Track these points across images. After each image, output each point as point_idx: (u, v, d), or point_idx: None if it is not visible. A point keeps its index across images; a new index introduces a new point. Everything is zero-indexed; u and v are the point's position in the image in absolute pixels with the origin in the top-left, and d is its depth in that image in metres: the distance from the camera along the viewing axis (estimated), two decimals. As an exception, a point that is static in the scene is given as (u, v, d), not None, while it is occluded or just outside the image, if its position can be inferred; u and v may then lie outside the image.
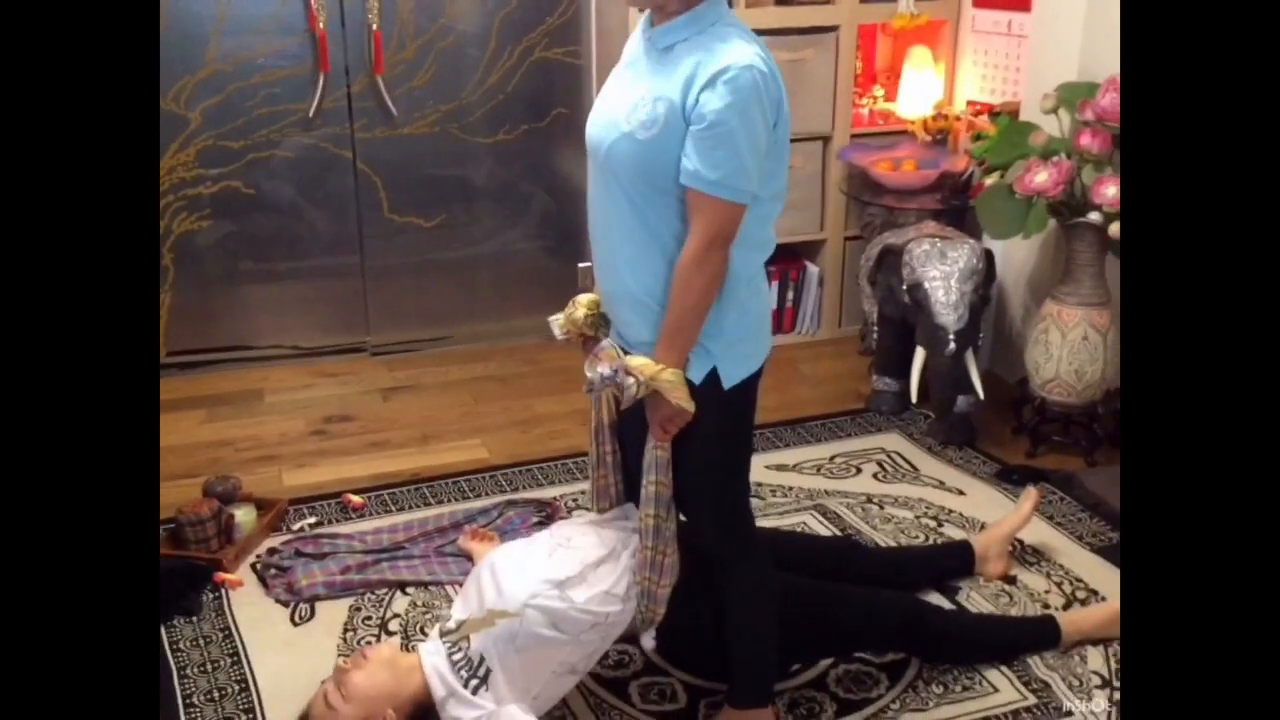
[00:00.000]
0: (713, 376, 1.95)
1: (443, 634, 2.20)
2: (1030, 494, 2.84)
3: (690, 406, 1.92)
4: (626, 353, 1.98)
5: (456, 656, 2.13)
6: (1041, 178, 3.11)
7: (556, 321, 2.20)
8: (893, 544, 2.87)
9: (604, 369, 1.97)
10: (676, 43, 1.85)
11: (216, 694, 2.35)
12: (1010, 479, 3.20)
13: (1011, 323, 3.79)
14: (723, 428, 2.02)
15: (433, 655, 2.16)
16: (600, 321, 2.14)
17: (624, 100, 1.89)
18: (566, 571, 2.13)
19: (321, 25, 3.77)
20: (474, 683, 2.10)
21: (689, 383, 1.92)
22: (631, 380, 1.91)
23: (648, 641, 2.22)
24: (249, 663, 2.44)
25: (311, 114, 3.87)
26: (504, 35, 3.99)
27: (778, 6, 3.95)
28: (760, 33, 3.77)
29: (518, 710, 2.08)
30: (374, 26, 3.81)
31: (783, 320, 4.30)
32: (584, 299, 2.16)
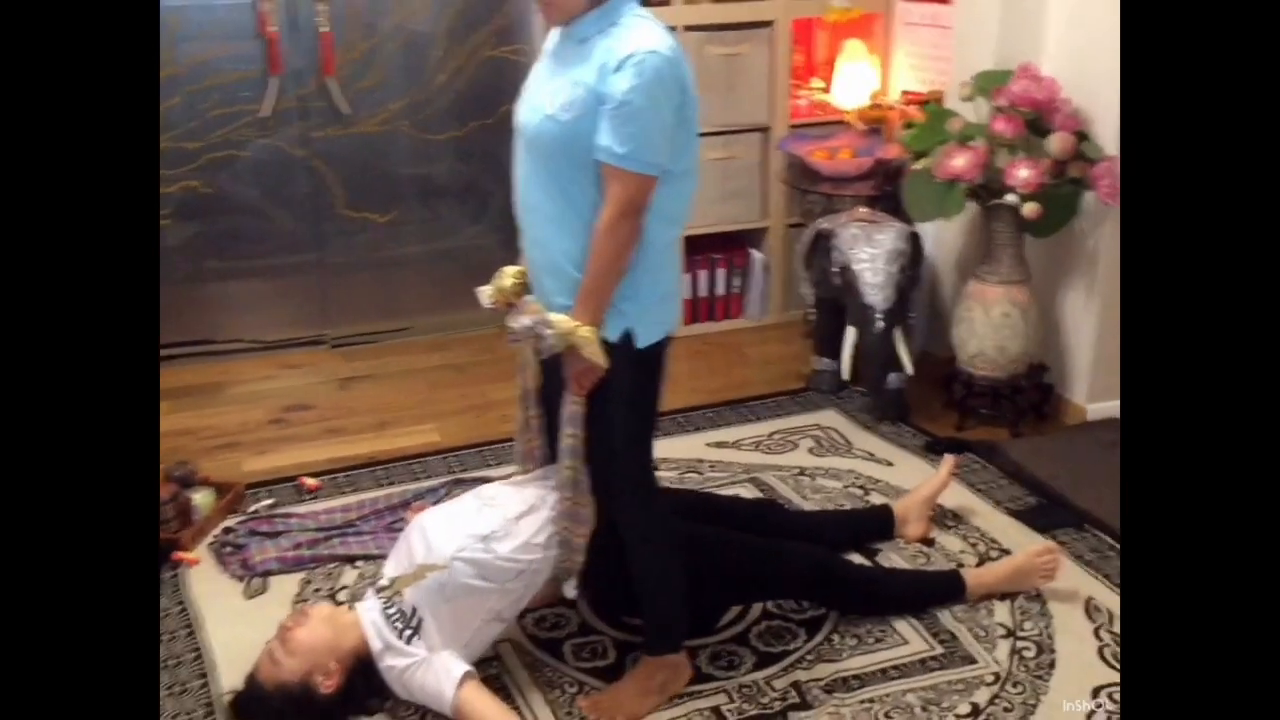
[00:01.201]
0: (626, 336, 2.12)
1: (378, 591, 2.35)
2: (947, 460, 3.00)
3: (602, 362, 2.09)
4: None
5: (390, 610, 2.28)
6: (959, 162, 3.27)
7: (485, 291, 2.34)
8: (817, 510, 3.02)
9: (525, 320, 2.15)
10: (590, 35, 2.03)
11: (172, 662, 2.49)
12: (937, 450, 3.36)
13: (943, 302, 3.95)
14: (633, 386, 2.18)
15: (369, 611, 2.31)
16: (525, 291, 2.29)
17: (546, 87, 2.07)
18: (490, 526, 2.30)
19: (272, 28, 3.90)
20: (408, 633, 2.25)
21: (606, 343, 2.09)
22: (550, 332, 2.08)
23: (570, 590, 2.37)
24: (204, 633, 2.58)
25: (266, 115, 4.00)
26: (452, 35, 4.13)
27: (714, 3, 4.10)
28: (697, 29, 3.98)
29: (449, 656, 2.24)
30: (322, 29, 3.94)
31: (729, 306, 4.45)
32: (510, 270, 2.31)
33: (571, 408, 2.17)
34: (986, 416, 3.57)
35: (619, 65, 1.95)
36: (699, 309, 4.40)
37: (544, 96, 2.05)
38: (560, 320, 2.08)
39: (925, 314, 4.02)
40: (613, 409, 2.17)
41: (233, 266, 4.20)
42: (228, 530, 2.97)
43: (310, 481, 3.25)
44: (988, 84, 3.32)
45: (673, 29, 3.85)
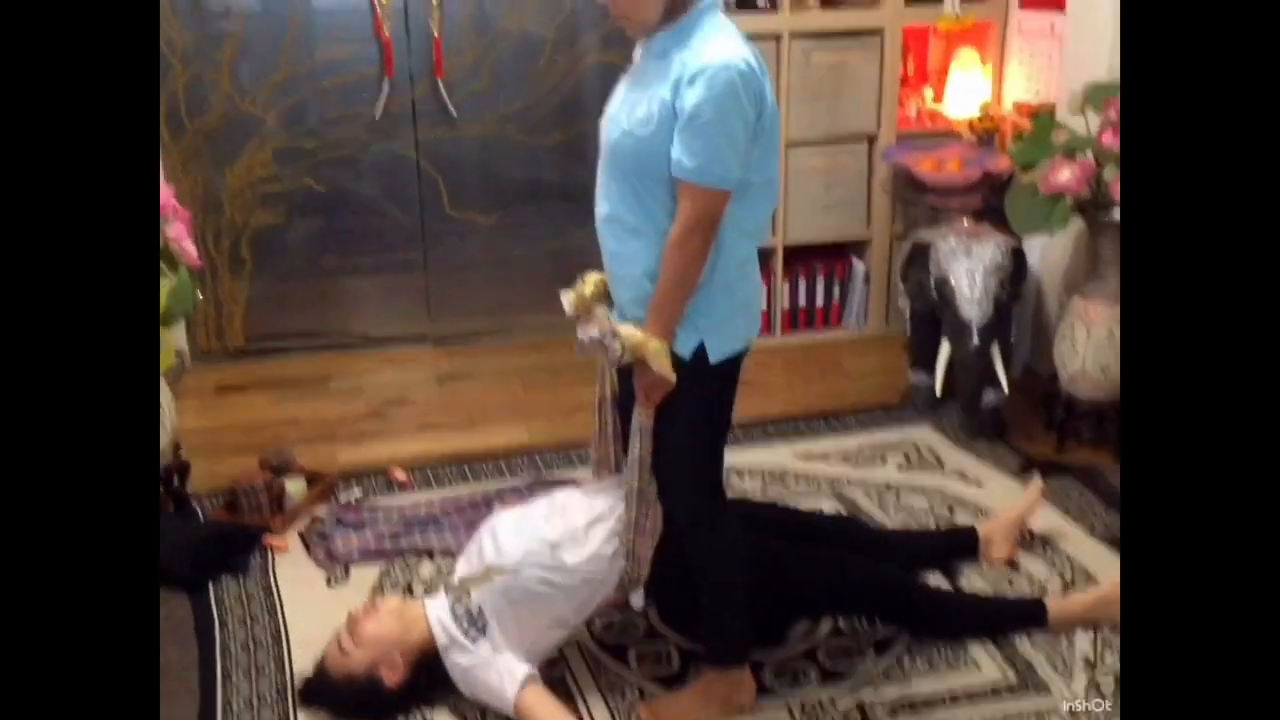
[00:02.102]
0: (700, 350, 2.11)
1: (447, 589, 2.38)
2: (1036, 483, 2.91)
3: (671, 376, 2.08)
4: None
5: (458, 609, 2.32)
6: (1065, 176, 3.17)
7: (567, 296, 2.35)
8: (900, 528, 2.96)
9: (594, 331, 2.15)
10: (669, 49, 2.02)
11: (252, 644, 2.57)
12: (1033, 472, 3.26)
13: (1048, 319, 3.83)
14: (704, 400, 2.17)
15: (436, 607, 2.35)
16: (605, 299, 2.29)
17: (627, 102, 2.08)
18: (559, 534, 2.31)
19: (387, 32, 4.00)
20: (473, 632, 2.28)
21: (677, 356, 2.08)
22: (617, 344, 2.08)
23: (636, 600, 2.38)
24: (284, 618, 2.66)
25: (378, 116, 4.11)
26: (559, 41, 4.17)
27: (823, 9, 4.05)
28: (804, 35, 3.93)
29: (511, 657, 2.26)
30: (435, 33, 4.03)
31: (829, 316, 4.39)
32: (592, 277, 2.31)
33: (641, 420, 2.17)
34: (1089, 439, 3.45)
35: (692, 79, 1.94)
36: (798, 318, 4.36)
37: (624, 111, 2.06)
38: (630, 333, 2.08)
39: (1029, 330, 3.91)
40: (683, 422, 2.16)
41: (344, 264, 4.32)
42: (316, 519, 3.06)
43: (400, 475, 3.32)
44: (1098, 96, 3.20)
45: (778, 37, 3.90)
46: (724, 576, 2.29)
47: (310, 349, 4.31)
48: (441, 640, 2.31)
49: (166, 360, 3.95)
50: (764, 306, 4.16)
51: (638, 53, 2.15)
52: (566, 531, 2.32)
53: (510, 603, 2.27)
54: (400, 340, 4.39)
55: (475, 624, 2.28)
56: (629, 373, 2.19)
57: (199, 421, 3.80)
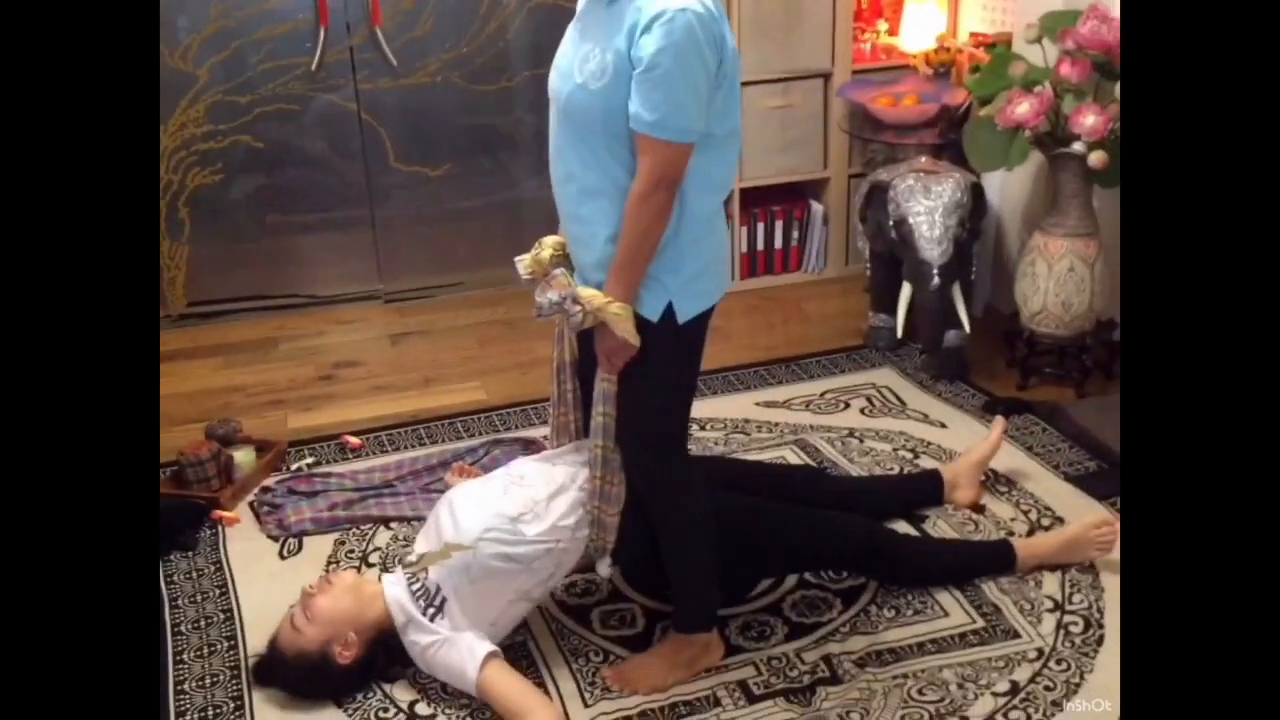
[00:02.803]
0: (668, 311, 2.02)
1: (404, 566, 2.31)
2: (998, 422, 2.87)
3: (635, 340, 1.99)
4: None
5: (415, 586, 2.24)
6: (1023, 109, 3.09)
7: (522, 262, 2.26)
8: (865, 475, 2.92)
9: (553, 294, 2.05)
10: None
11: (203, 622, 2.49)
12: (996, 411, 3.22)
13: (1008, 255, 3.78)
14: (672, 362, 2.09)
15: (394, 585, 2.28)
16: (564, 263, 2.20)
17: (576, 53, 1.95)
18: (519, 508, 2.23)
19: (320, -21, 3.85)
20: (431, 610, 2.21)
21: (644, 319, 1.99)
22: (579, 309, 2.00)
23: (603, 569, 2.31)
24: (235, 594, 2.58)
25: (315, 67, 3.96)
26: (501, -17, 4.03)
27: (772, -57, 3.93)
28: (754, -31, 3.80)
29: (472, 636, 2.19)
30: (370, -22, 3.88)
31: (788, 259, 4.32)
32: (549, 240, 2.22)
33: (603, 385, 2.09)
34: (1051, 376, 3.42)
35: (648, 25, 1.82)
36: (756, 262, 4.28)
37: (575, 63, 1.94)
38: (591, 295, 1.99)
39: (990, 268, 3.86)
40: (649, 385, 2.08)
41: (287, 221, 4.19)
42: (266, 489, 2.97)
43: (353, 440, 3.24)
44: (1054, 25, 3.12)
45: (728, -30, 3.78)
46: (691, 542, 2.22)
47: (256, 311, 4.20)
48: (399, 619, 2.23)
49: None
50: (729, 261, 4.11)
51: (584, 1, 2.03)
52: (526, 504, 2.23)
53: (470, 580, 2.19)
54: (350, 299, 4.28)
55: (433, 602, 2.21)
56: (589, 336, 2.10)
57: (144, 391, 3.68)
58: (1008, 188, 3.72)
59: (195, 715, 2.22)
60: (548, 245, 2.20)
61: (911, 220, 3.27)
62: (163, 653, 2.39)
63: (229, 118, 3.98)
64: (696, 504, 2.22)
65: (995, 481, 2.86)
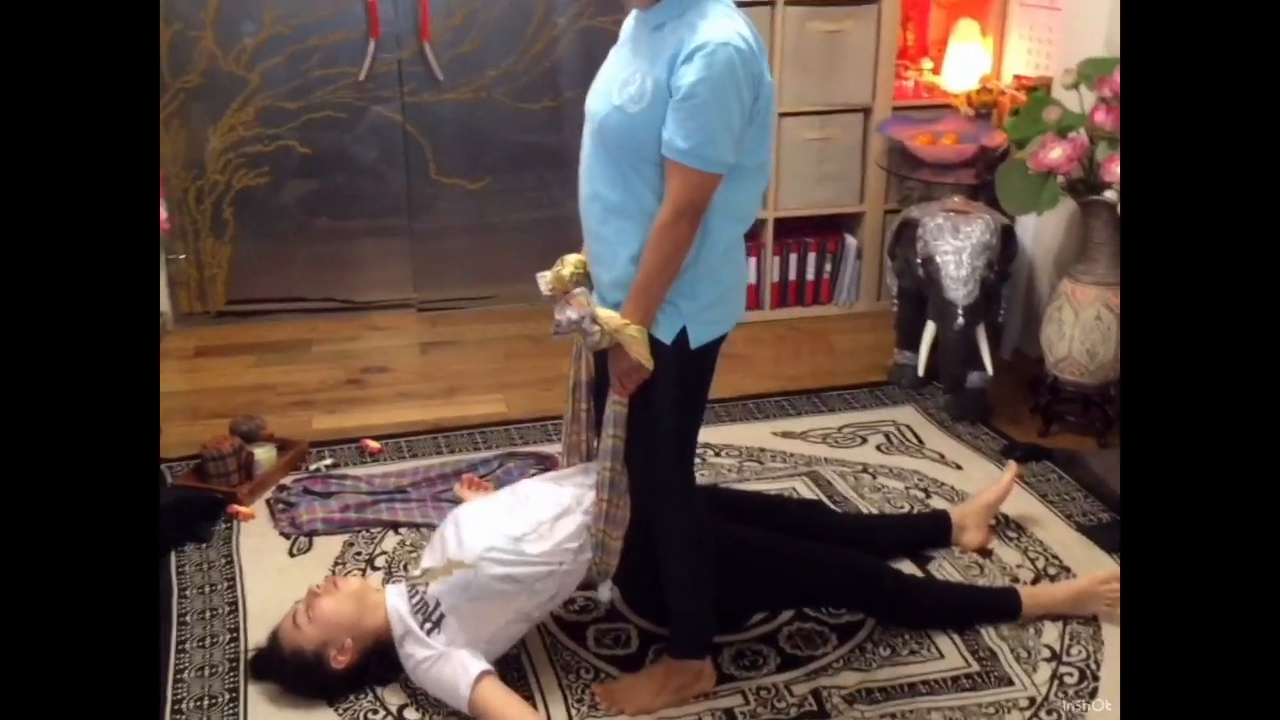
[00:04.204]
0: (681, 335, 2.04)
1: (407, 578, 2.34)
2: (1010, 467, 2.86)
3: (649, 364, 2.01)
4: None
5: (415, 600, 2.27)
6: (1055, 154, 3.09)
7: (544, 278, 2.29)
8: (872, 512, 2.91)
9: (572, 313, 2.07)
10: (665, 21, 1.93)
11: (208, 614, 2.55)
12: (1013, 456, 3.20)
13: (1040, 300, 3.76)
14: (682, 386, 2.10)
15: (395, 597, 2.31)
16: (585, 281, 2.22)
17: (617, 75, 1.98)
18: (523, 528, 2.25)
19: (372, -8, 3.93)
20: (428, 625, 2.24)
21: (657, 341, 2.02)
22: (596, 329, 2.02)
23: (604, 593, 2.33)
24: (242, 588, 2.63)
25: (363, 77, 4.04)
26: (549, 4, 4.09)
27: (819, -23, 3.96)
28: (799, 3, 3.83)
29: (466, 653, 2.21)
30: (421, -7, 3.96)
31: (819, 291, 4.33)
32: (571, 258, 2.24)
33: (614, 408, 2.10)
34: (1073, 424, 3.39)
35: (689, 56, 1.85)
36: (787, 292, 4.30)
37: (614, 86, 1.96)
38: (608, 317, 2.01)
39: (1020, 312, 3.84)
40: (658, 409, 2.09)
41: (329, 227, 4.27)
42: (283, 487, 3.02)
43: (372, 444, 3.29)
44: (1092, 72, 3.11)
45: (772, 3, 3.81)
46: (689, 568, 2.23)
47: (293, 313, 4.28)
48: (397, 631, 2.26)
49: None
50: (749, 284, 4.12)
51: (629, 23, 2.06)
52: (531, 524, 2.26)
53: (469, 599, 2.21)
54: (384, 306, 4.35)
55: (430, 617, 2.23)
56: (606, 357, 2.12)
57: (177, 384, 3.77)
58: (1041, 232, 3.71)
59: (192, 704, 2.27)
60: (569, 263, 2.22)
61: (939, 259, 3.27)
62: (165, 642, 2.44)
63: (278, 122, 4.07)
64: (697, 530, 2.23)
65: (1005, 526, 2.85)
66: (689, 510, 2.21)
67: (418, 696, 2.27)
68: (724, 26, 1.87)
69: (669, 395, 2.09)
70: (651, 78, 1.90)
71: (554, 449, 3.20)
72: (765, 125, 2.00)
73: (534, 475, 3.00)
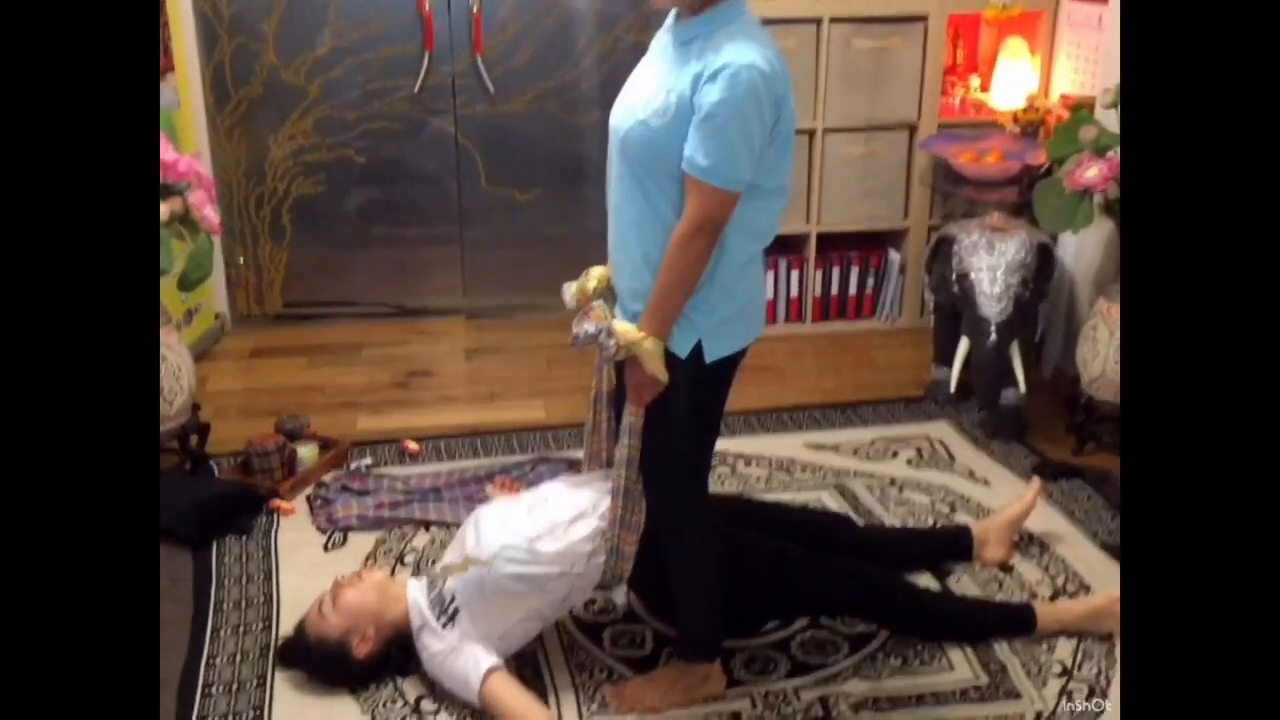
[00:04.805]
0: (697, 349, 2.09)
1: (428, 573, 2.43)
2: (1035, 484, 2.87)
3: (663, 376, 2.07)
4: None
5: (432, 594, 2.36)
6: (1091, 173, 3.09)
7: (569, 289, 2.35)
8: (895, 525, 2.94)
9: (589, 326, 2.14)
10: (694, 38, 1.97)
11: (244, 603, 2.65)
12: (1045, 474, 3.20)
13: (1080, 319, 3.74)
14: (697, 399, 2.15)
15: (415, 589, 2.40)
16: (608, 294, 2.28)
17: (643, 89, 2.03)
18: (539, 529, 2.32)
19: (428, 7, 4.05)
20: (443, 619, 2.32)
21: (673, 355, 2.08)
22: (612, 342, 2.08)
23: (619, 596, 2.39)
24: (277, 579, 2.74)
25: (417, 90, 4.16)
26: (600, 20, 4.18)
27: (866, -5, 4.00)
28: (845, 20, 3.87)
29: (479, 647, 2.29)
30: (475, 9, 4.06)
31: (861, 306, 4.35)
32: (596, 271, 2.31)
33: (630, 419, 2.16)
34: (1108, 443, 3.38)
35: (713, 75, 1.89)
36: (830, 306, 4.33)
37: (639, 100, 2.01)
38: (625, 330, 2.06)
39: (1061, 330, 3.83)
40: (674, 421, 2.14)
41: (383, 234, 4.40)
42: (322, 484, 3.13)
43: (412, 445, 3.38)
44: (1130, 92, 3.11)
45: (818, 20, 3.86)
46: (700, 574, 2.28)
47: (346, 317, 4.41)
48: (415, 622, 2.35)
49: (205, 323, 4.08)
50: (793, 298, 4.16)
51: (658, 38, 2.10)
52: (547, 525, 2.33)
53: (482, 596, 2.29)
54: (434, 312, 4.47)
55: (445, 610, 2.31)
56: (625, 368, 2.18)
57: (231, 384, 3.91)
58: (1082, 251, 3.70)
59: (221, 688, 2.37)
60: (594, 276, 2.28)
61: (973, 275, 3.29)
62: (200, 628, 2.55)
63: (335, 132, 4.20)
64: (708, 537, 2.28)
65: (1028, 543, 2.85)
66: (700, 517, 2.26)
67: (435, 689, 2.34)
68: (749, 49, 1.92)
69: (684, 408, 2.14)
70: (676, 93, 1.94)
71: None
72: (785, 147, 2.04)
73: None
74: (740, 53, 1.91)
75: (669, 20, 2.08)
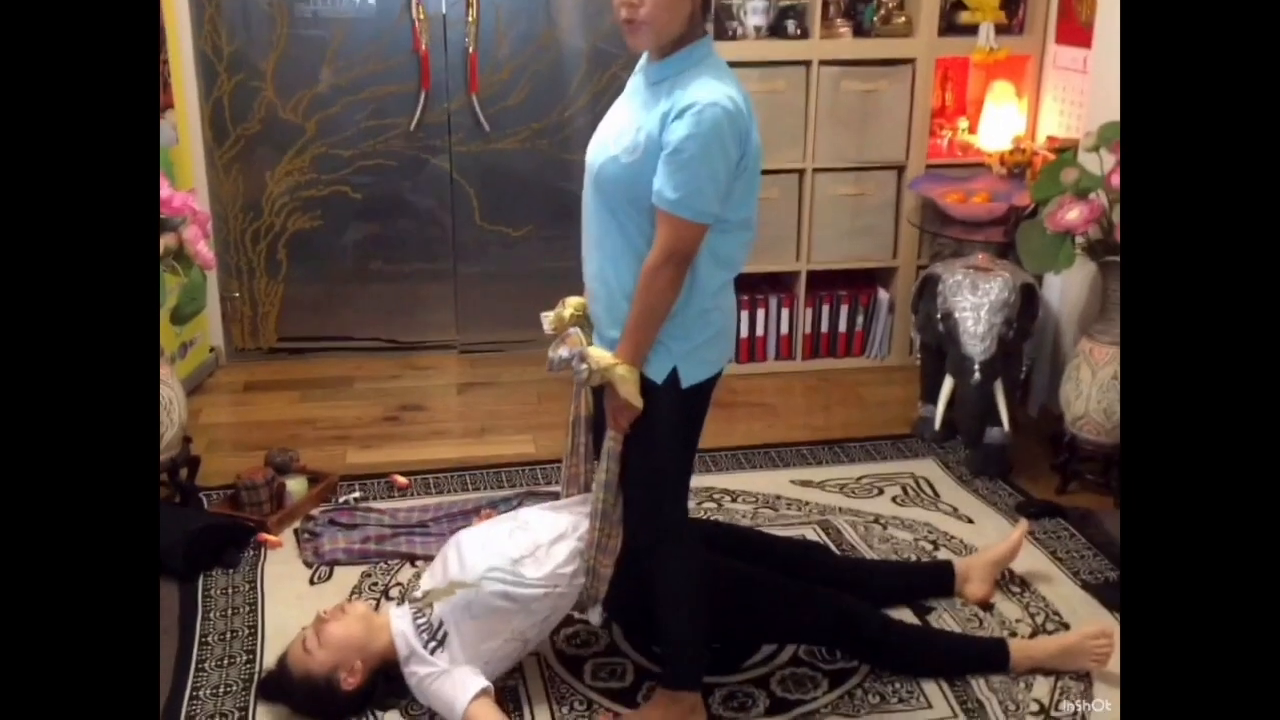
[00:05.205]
0: (672, 375, 2.15)
1: (410, 601, 2.45)
2: (1021, 525, 2.90)
3: (638, 402, 2.12)
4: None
5: (419, 621, 2.38)
6: (1073, 215, 3.13)
7: (547, 317, 2.40)
8: (876, 558, 2.96)
9: (564, 351, 2.21)
10: (664, 79, 2.06)
11: (229, 635, 2.67)
12: (1028, 512, 3.22)
13: (1065, 358, 3.78)
14: (674, 424, 2.20)
15: (399, 619, 2.42)
16: (585, 322, 2.34)
17: (616, 127, 2.12)
18: (521, 551, 2.36)
19: (425, 47, 4.11)
20: (432, 644, 2.34)
21: (649, 380, 2.12)
22: (585, 366, 2.14)
23: (595, 617, 2.42)
24: (263, 612, 2.76)
25: (413, 127, 4.22)
26: (593, 59, 4.24)
27: (855, 38, 4.06)
28: (834, 63, 3.93)
29: (469, 671, 2.32)
30: (471, 49, 4.13)
31: (851, 343, 4.39)
32: (573, 300, 2.37)
33: (609, 444, 2.21)
34: (1092, 483, 3.40)
35: (680, 113, 1.97)
36: (819, 343, 4.36)
37: (611, 136, 2.10)
38: (599, 356, 2.12)
39: (1047, 369, 3.86)
40: (652, 445, 2.19)
41: (377, 269, 4.44)
42: (310, 518, 3.15)
43: (401, 479, 3.41)
44: (1110, 135, 3.16)
45: (808, 63, 3.91)
46: (681, 599, 2.31)
47: (339, 351, 4.45)
48: (403, 651, 2.37)
49: (200, 356, 4.12)
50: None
51: (632, 80, 2.19)
52: (529, 547, 2.37)
53: (471, 617, 2.32)
54: (427, 347, 4.50)
55: (434, 636, 2.34)
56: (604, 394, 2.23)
57: (223, 417, 3.94)
58: (1067, 291, 3.74)
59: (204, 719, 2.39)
60: (570, 305, 2.34)
61: (957, 314, 3.33)
62: (185, 661, 2.57)
63: (332, 168, 4.26)
64: (690, 563, 2.31)
65: (1009, 581, 2.87)
66: (679, 541, 2.30)
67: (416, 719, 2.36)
68: (715, 88, 2.00)
69: (661, 432, 2.18)
70: (645, 131, 2.02)
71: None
72: (752, 183, 2.11)
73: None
74: (706, 91, 1.98)
75: (642, 61, 2.17)
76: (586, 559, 2.34)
